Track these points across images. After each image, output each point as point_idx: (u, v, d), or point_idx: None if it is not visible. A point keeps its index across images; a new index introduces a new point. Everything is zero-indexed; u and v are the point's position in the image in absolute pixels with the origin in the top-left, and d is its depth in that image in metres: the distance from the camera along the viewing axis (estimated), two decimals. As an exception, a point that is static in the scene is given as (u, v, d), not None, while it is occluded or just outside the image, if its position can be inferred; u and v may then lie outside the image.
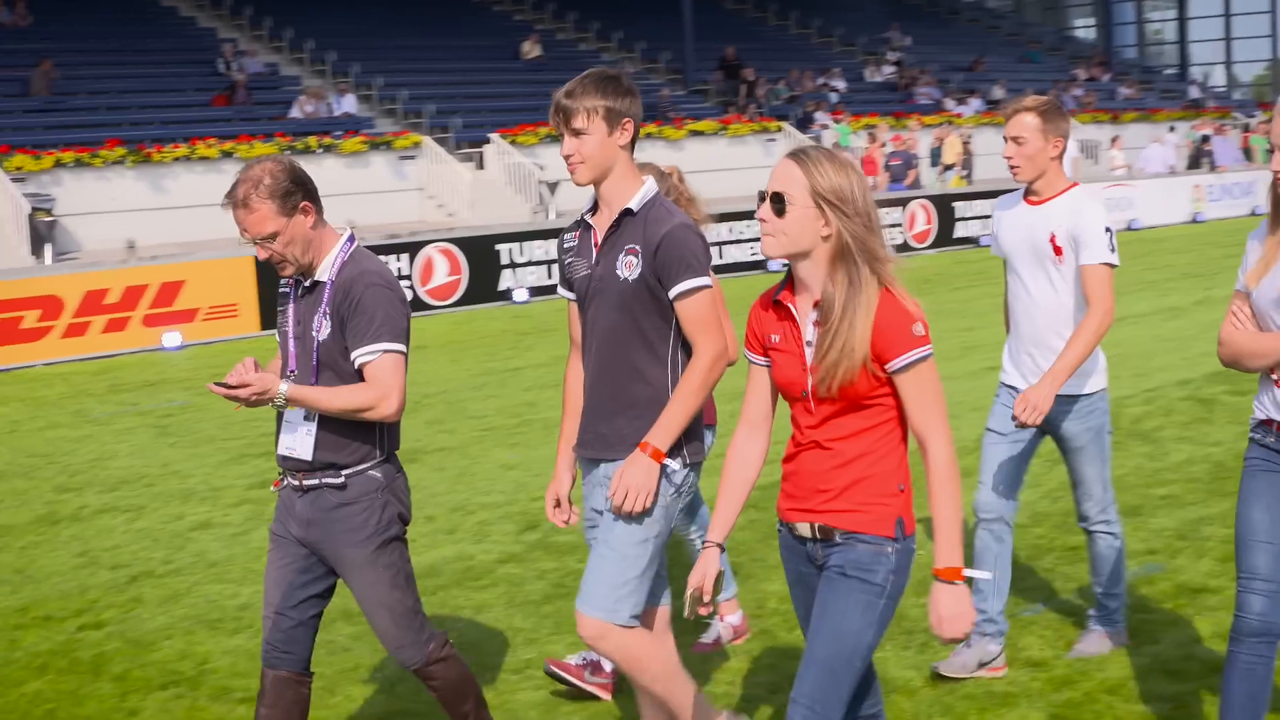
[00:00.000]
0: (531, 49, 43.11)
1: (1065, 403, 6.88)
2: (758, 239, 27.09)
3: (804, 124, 41.28)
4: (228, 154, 32.40)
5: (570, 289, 5.73)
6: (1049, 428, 6.97)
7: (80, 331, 20.12)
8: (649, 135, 38.29)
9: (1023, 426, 6.62)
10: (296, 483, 5.61)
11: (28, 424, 15.22)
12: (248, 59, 38.14)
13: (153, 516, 10.98)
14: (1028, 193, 6.93)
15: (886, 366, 4.47)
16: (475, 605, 8.42)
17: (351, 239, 5.79)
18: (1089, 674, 6.89)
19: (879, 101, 46.05)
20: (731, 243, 27.26)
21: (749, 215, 27.69)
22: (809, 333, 4.56)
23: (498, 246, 24.55)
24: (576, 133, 5.40)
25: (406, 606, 5.67)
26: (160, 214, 31.02)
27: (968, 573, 4.57)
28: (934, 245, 30.43)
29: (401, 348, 5.59)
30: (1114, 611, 7.23)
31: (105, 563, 9.79)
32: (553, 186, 34.37)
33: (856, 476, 4.58)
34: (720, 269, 26.57)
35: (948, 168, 37.61)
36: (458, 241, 24.27)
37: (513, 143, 36.12)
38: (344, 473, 5.54)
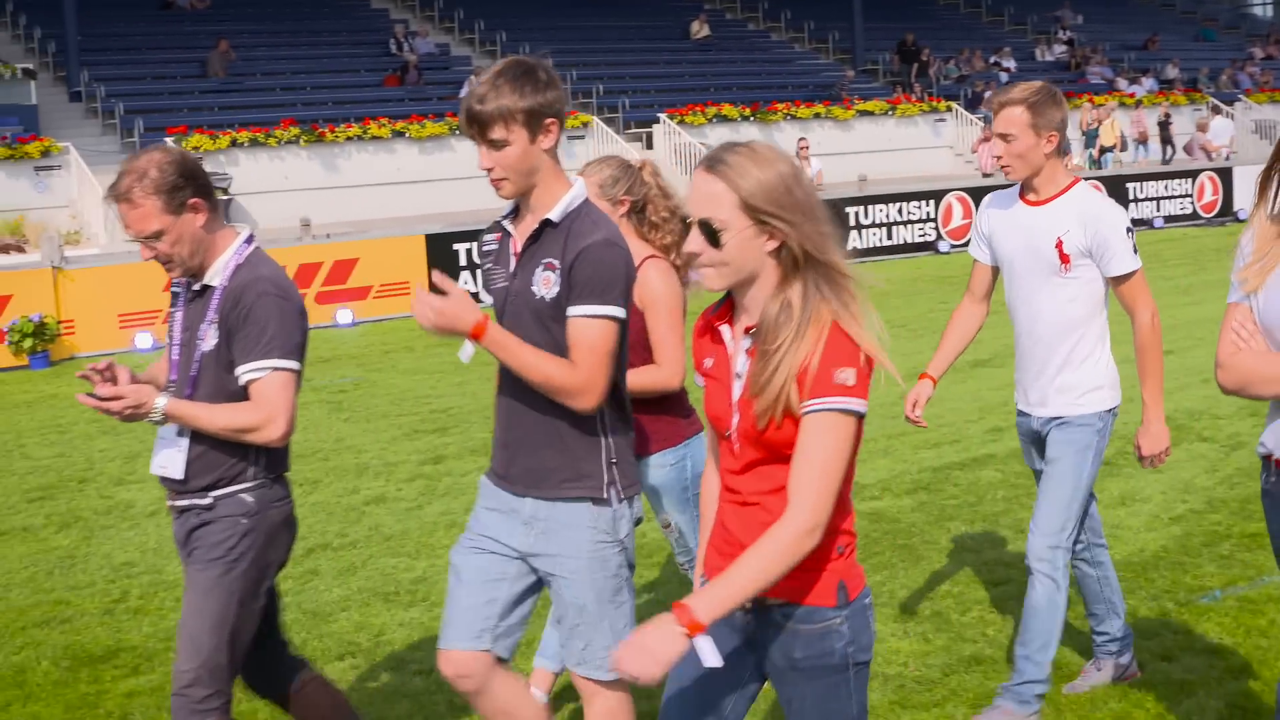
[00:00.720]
0: (700, 29, 43.06)
1: (1056, 425, 6.27)
2: (927, 220, 26.90)
3: (973, 104, 40.84)
4: (399, 134, 32.78)
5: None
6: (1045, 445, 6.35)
7: (256, 308, 20.41)
8: (817, 115, 38.13)
9: (1155, 465, 6.24)
10: (171, 503, 5.19)
11: (206, 398, 15.46)
12: (419, 40, 38.51)
13: (328, 490, 11.12)
14: (1025, 190, 6.31)
15: (802, 405, 3.70)
16: (646, 582, 8.42)
17: (250, 240, 5.23)
18: (1268, 662, 6.75)
19: (1049, 81, 45.28)
20: (900, 223, 27.04)
21: (918, 196, 27.50)
22: (740, 363, 3.85)
23: (666, 226, 24.51)
24: (494, 144, 4.71)
25: (219, 662, 5.05)
26: (333, 193, 31.46)
27: (698, 642, 3.57)
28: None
29: (293, 365, 5.10)
30: (1022, 684, 6.19)
31: (282, 535, 9.91)
32: (721, 166, 34.27)
33: None
34: (891, 250, 26.47)
35: (1105, 150, 36.82)
36: (626, 221, 24.28)
37: (680, 123, 36.12)
38: (212, 494, 5.08)
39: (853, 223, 26.29)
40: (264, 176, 31.30)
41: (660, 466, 6.17)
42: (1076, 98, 42.77)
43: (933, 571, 8.38)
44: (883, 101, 39.94)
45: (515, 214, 4.95)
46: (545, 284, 4.76)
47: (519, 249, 4.85)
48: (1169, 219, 31.16)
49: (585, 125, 35.27)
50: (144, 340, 19.50)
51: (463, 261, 22.06)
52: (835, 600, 3.83)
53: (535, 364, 4.67)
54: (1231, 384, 4.40)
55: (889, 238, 26.74)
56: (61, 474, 12.15)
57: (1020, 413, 6.45)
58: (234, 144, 31.24)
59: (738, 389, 3.83)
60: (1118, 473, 10.38)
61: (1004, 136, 6.20)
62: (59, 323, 19.04)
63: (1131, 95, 43.79)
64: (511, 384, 4.86)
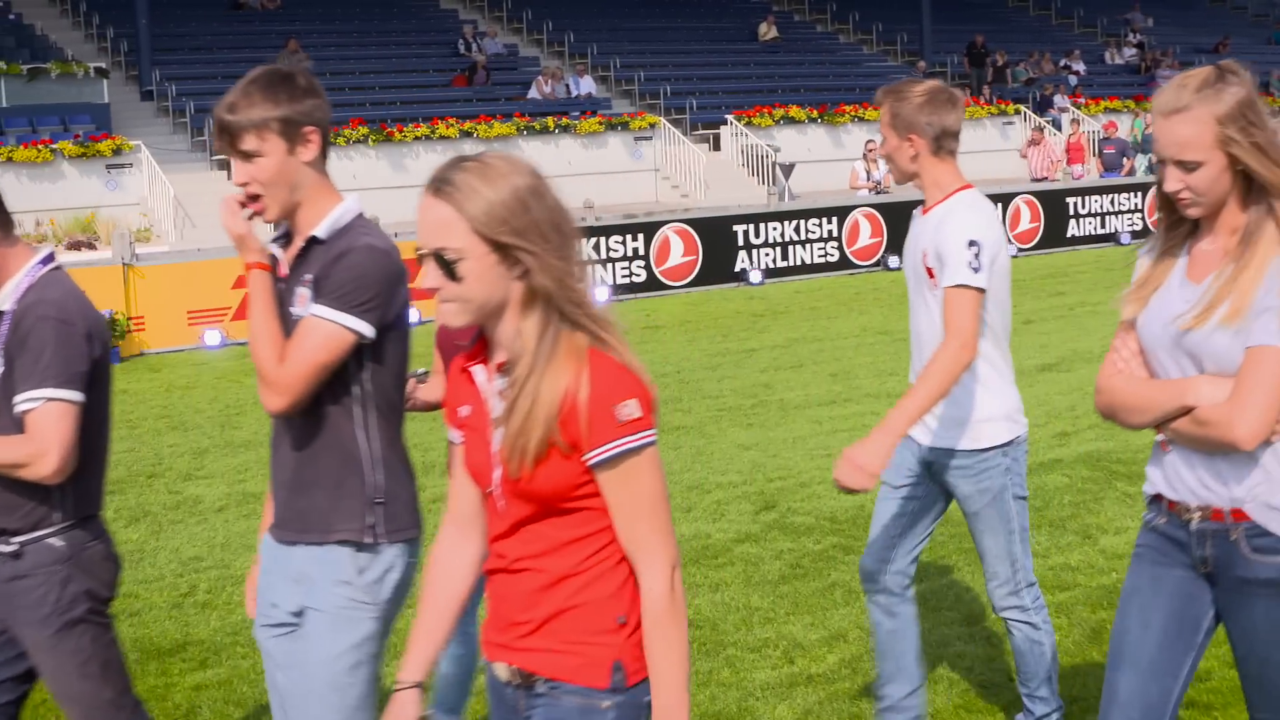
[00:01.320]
0: (768, 30, 43.02)
1: (950, 458, 5.73)
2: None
3: (1042, 107, 40.64)
4: (467, 134, 32.92)
5: None
6: (946, 487, 5.84)
7: (324, 306, 20.52)
8: (885, 117, 37.99)
9: (846, 491, 5.30)
10: None
11: (273, 395, 15.55)
12: (488, 40, 38.62)
13: (394, 487, 11.14)
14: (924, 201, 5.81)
15: (585, 458, 3.26)
16: (713, 583, 8.43)
17: (47, 259, 4.72)
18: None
19: (1119, 84, 45.14)
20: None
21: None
22: (496, 407, 3.37)
23: (734, 228, 24.54)
24: (247, 156, 4.28)
25: (103, 699, 4.72)
26: (401, 192, 31.53)
27: None
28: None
29: (71, 395, 4.49)
30: (1044, 717, 6.04)
31: (349, 531, 9.96)
32: (788, 169, 34.27)
33: (560, 605, 3.36)
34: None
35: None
36: (693, 222, 24.31)
37: (748, 124, 36.11)
38: (15, 540, 4.59)
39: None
40: (333, 175, 31.34)
41: None
42: (1147, 101, 42.52)
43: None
44: (951, 104, 39.77)
45: (285, 238, 4.47)
46: (301, 301, 4.27)
47: (286, 272, 4.37)
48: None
49: (653, 126, 35.31)
50: (213, 337, 19.62)
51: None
52: (608, 682, 3.35)
53: (258, 333, 4.25)
54: (1103, 409, 4.22)
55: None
56: (131, 469, 12.24)
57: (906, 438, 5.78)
58: (303, 143, 31.40)
59: (498, 438, 3.36)
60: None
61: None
62: (129, 319, 19.17)
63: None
64: (281, 422, 4.38)
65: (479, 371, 3.43)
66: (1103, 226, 28.67)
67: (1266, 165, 3.90)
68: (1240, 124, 3.87)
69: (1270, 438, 3.91)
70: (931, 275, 5.59)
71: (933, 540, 8.98)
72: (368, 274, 4.21)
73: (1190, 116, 3.90)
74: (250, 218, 4.37)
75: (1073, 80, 43.68)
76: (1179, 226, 4.15)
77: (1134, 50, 48.24)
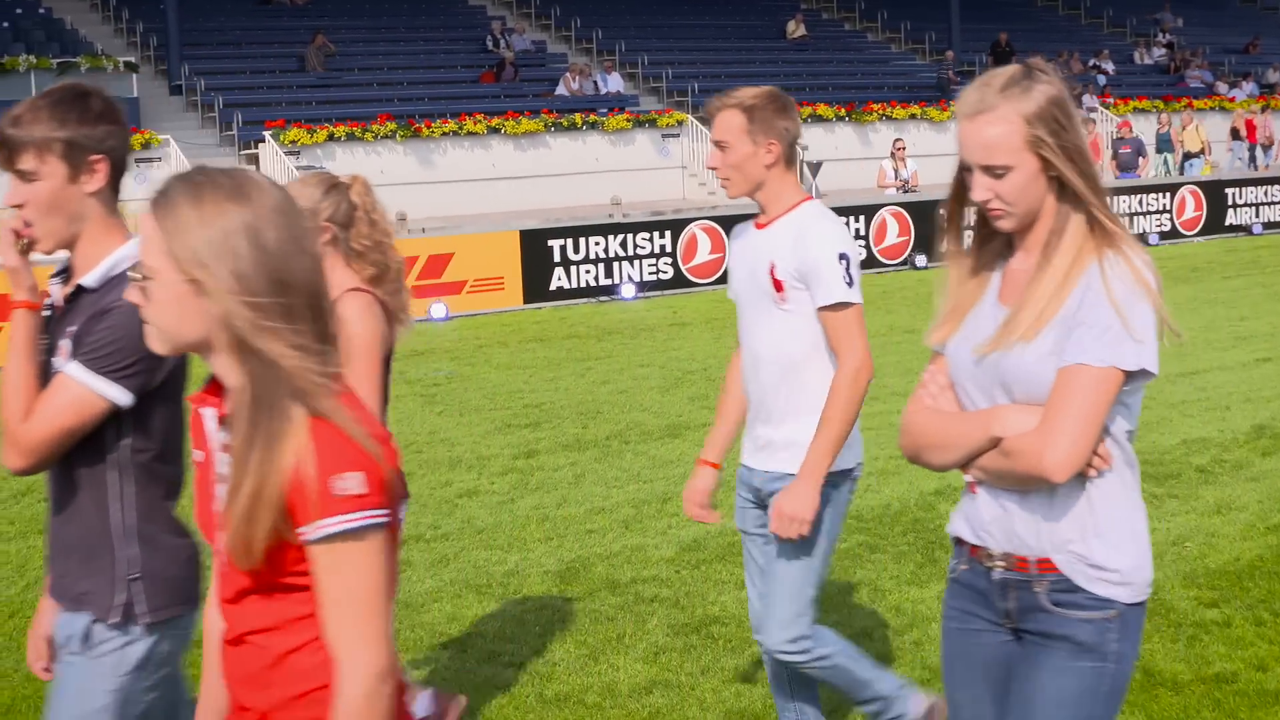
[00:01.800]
0: (796, 28, 42.99)
1: (780, 481, 5.37)
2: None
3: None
4: (495, 130, 32.97)
5: None
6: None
7: (351, 301, 20.58)
8: (913, 116, 38.00)
9: (786, 539, 5.20)
10: None
11: (301, 389, 15.60)
12: (516, 36, 38.66)
13: (421, 483, 11.19)
14: (758, 213, 5.49)
15: (299, 531, 2.79)
16: (738, 580, 8.43)
17: None
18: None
19: (1148, 85, 45.01)
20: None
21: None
22: (221, 461, 2.94)
23: (760, 226, 24.48)
24: (22, 175, 3.89)
25: None
26: (429, 188, 31.67)
27: None
28: (1203, 233, 29.63)
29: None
30: (882, 714, 5.70)
31: (376, 526, 9.99)
32: (815, 167, 34.22)
33: (292, 690, 2.92)
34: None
35: (1191, 156, 36.08)
36: (721, 220, 24.29)
37: (776, 122, 36.05)
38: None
39: (946, 225, 26.14)
40: (360, 170, 31.26)
41: None
42: (1176, 101, 42.39)
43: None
44: (979, 103, 39.73)
45: (66, 274, 4.07)
46: (63, 353, 3.88)
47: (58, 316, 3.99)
48: (1267, 225, 30.74)
49: (680, 124, 35.35)
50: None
51: (556, 258, 22.13)
52: None
53: (8, 381, 3.86)
54: (907, 450, 3.80)
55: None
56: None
57: (744, 464, 5.62)
58: (331, 138, 31.53)
59: (222, 495, 2.90)
60: (1214, 480, 10.30)
61: (719, 144, 5.38)
62: (157, 313, 19.28)
63: (1231, 99, 43.36)
64: (53, 477, 4.03)
65: (209, 416, 2.99)
66: (1131, 227, 28.57)
67: (1077, 171, 3.60)
68: (1050, 125, 3.58)
69: (1087, 470, 3.53)
70: (780, 289, 5.27)
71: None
72: (130, 336, 3.69)
73: (996, 116, 3.57)
74: (25, 248, 3.97)
75: (1102, 80, 43.56)
76: (991, 241, 3.78)
77: (1163, 50, 48.10)
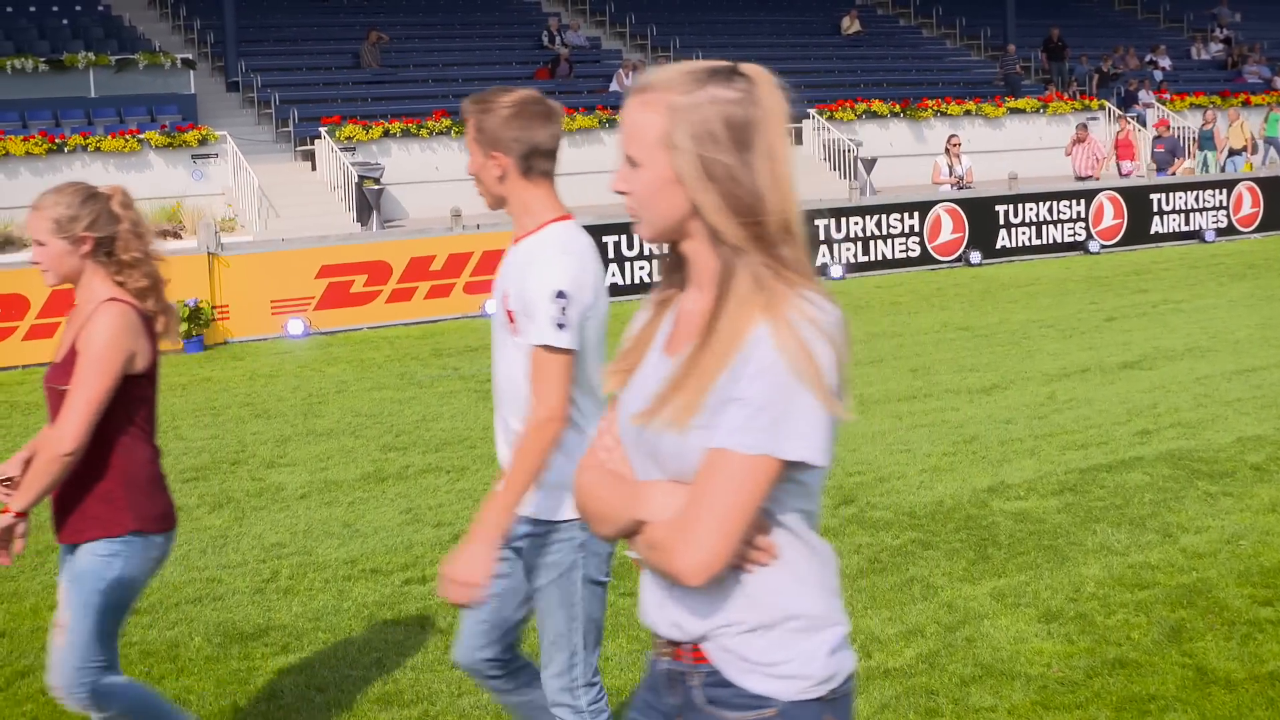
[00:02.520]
0: (851, 24, 42.90)
1: (518, 525, 4.96)
2: (1078, 219, 26.65)
3: (1126, 103, 40.31)
4: (549, 126, 32.96)
5: None
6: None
7: (406, 297, 20.64)
8: (968, 113, 37.86)
9: (458, 605, 4.82)
10: None
11: (355, 385, 15.68)
12: (571, 33, 38.72)
13: (474, 478, 11.23)
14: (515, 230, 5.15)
15: None
16: (790, 576, 8.44)
17: None
18: None
19: (1205, 80, 44.72)
20: (1050, 223, 26.78)
21: (1068, 195, 27.20)
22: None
23: (816, 222, 24.40)
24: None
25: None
26: (483, 184, 31.70)
27: None
28: (1261, 229, 29.41)
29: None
30: None
31: (429, 520, 10.05)
32: (870, 163, 34.19)
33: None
34: (1040, 249, 26.21)
35: (1234, 152, 35.70)
36: (774, 216, 24.22)
37: (830, 118, 36.02)
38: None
39: (1002, 221, 26.07)
40: (415, 167, 31.68)
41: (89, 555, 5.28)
42: (1234, 96, 42.10)
43: (1077, 573, 8.32)
44: (1034, 99, 39.57)
45: None
46: None
47: None
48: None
49: (734, 120, 35.23)
50: (296, 327, 19.75)
51: (611, 254, 22.14)
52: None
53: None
54: (578, 506, 3.26)
55: (1039, 237, 26.45)
56: (215, 456, 12.37)
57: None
58: (386, 134, 31.65)
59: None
60: (1269, 478, 10.25)
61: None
62: (214, 308, 19.35)
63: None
64: None
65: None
66: (1187, 224, 28.40)
67: (711, 199, 3.00)
68: (699, 133, 2.99)
69: (743, 565, 3.05)
70: (512, 320, 4.94)
71: (1013, 537, 8.96)
72: None
73: (648, 100, 3.05)
74: None
75: (1158, 75, 43.31)
76: (678, 270, 3.19)
77: (1220, 45, 47.77)
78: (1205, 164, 35.34)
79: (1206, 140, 35.83)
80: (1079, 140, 32.08)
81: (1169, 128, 34.67)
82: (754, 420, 2.91)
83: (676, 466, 3.03)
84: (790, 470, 2.97)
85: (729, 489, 2.92)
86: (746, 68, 3.10)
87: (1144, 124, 38.16)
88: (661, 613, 3.17)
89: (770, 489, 2.97)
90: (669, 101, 3.01)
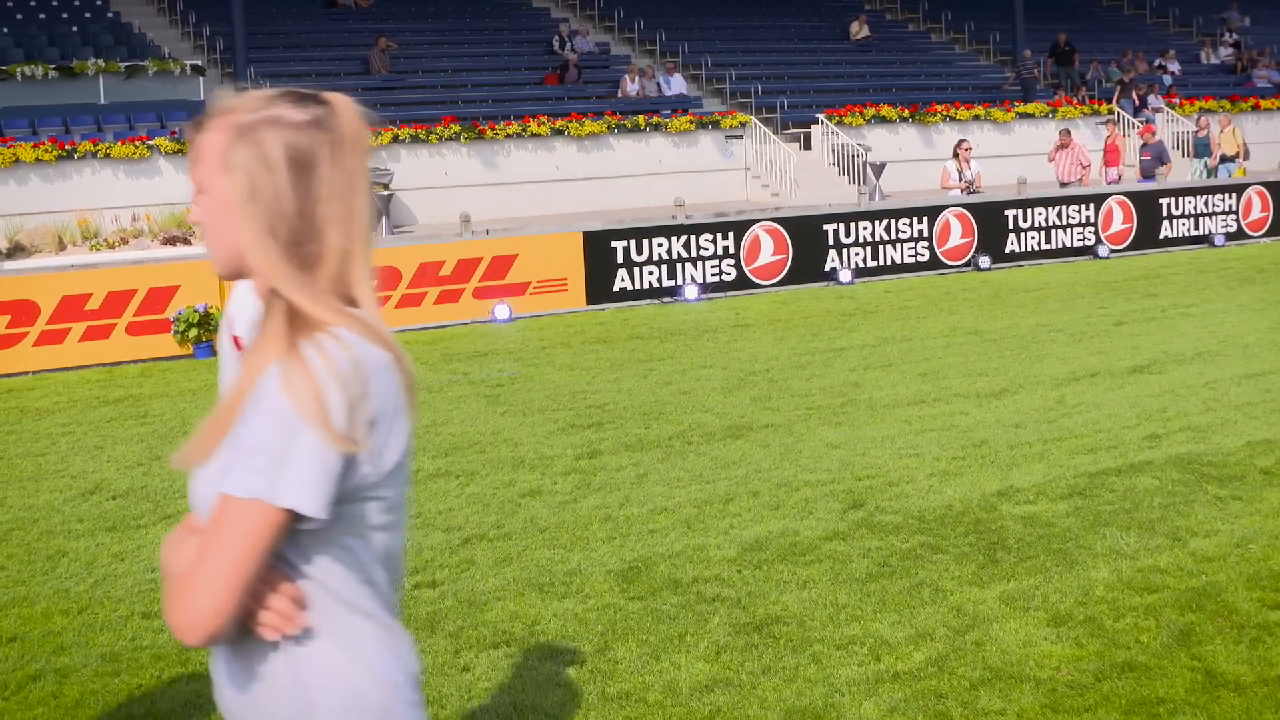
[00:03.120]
0: (860, 29, 42.95)
1: None
2: (1087, 224, 26.64)
3: (1136, 108, 40.30)
4: (559, 132, 33.05)
5: None
6: None
7: (415, 302, 20.68)
8: (977, 118, 37.86)
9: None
10: None
11: (365, 390, 15.69)
12: (580, 38, 38.77)
13: (484, 482, 11.25)
14: None
15: None
16: (800, 580, 8.45)
17: None
18: None
19: (1215, 84, 44.72)
20: (1060, 227, 26.76)
21: (1078, 200, 27.20)
22: None
23: (825, 227, 24.50)
24: None
25: None
26: (493, 189, 31.81)
27: None
28: (1270, 233, 29.36)
29: None
30: None
31: (439, 524, 10.06)
32: (879, 168, 34.20)
33: None
34: (1050, 254, 26.20)
35: (1227, 159, 35.55)
36: (784, 221, 24.28)
37: (839, 124, 36.05)
38: None
39: (1011, 226, 26.07)
40: (425, 173, 31.73)
41: None
42: (1243, 101, 42.08)
43: (1087, 577, 8.32)
44: (1043, 104, 39.56)
45: None
46: None
47: None
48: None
49: (744, 125, 35.33)
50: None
51: (619, 259, 22.17)
52: None
53: None
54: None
55: (1048, 241, 26.45)
56: (225, 461, 12.38)
57: None
58: (395, 140, 31.69)
59: None
60: (1279, 483, 10.24)
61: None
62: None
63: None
64: None
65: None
66: (1196, 228, 28.38)
67: (253, 225, 2.80)
68: (254, 153, 2.84)
69: (263, 630, 2.76)
70: (239, 347, 4.73)
71: (1022, 541, 8.97)
72: None
73: (218, 122, 2.94)
74: None
75: (1167, 80, 43.30)
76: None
77: (1230, 49, 47.77)
78: (1205, 169, 35.24)
79: (1202, 147, 35.74)
80: (1062, 146, 31.84)
81: (1154, 134, 34.52)
82: (250, 462, 2.68)
83: (205, 512, 2.77)
84: (296, 522, 2.71)
85: (225, 538, 2.67)
86: (330, 95, 2.96)
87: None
88: (221, 696, 2.90)
89: (275, 540, 2.70)
90: (234, 122, 2.88)
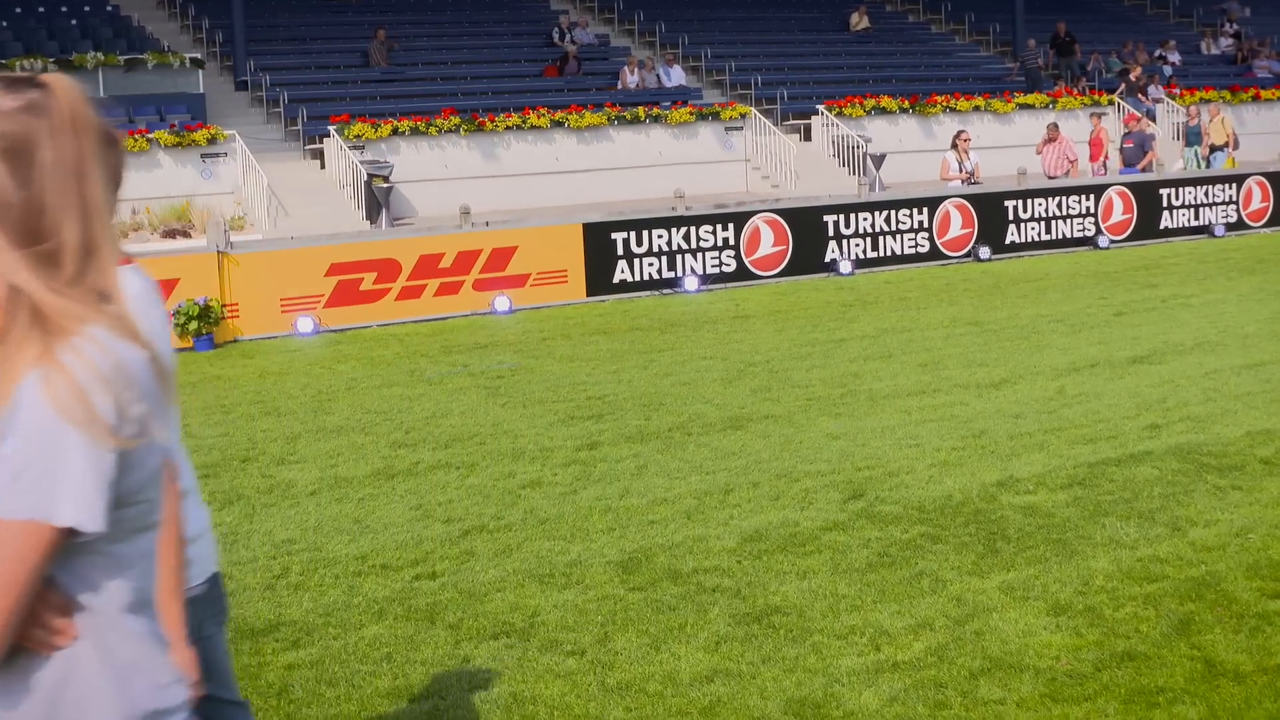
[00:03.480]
0: (859, 20, 42.92)
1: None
2: (1087, 214, 26.64)
3: (1137, 99, 40.27)
4: (558, 123, 33.04)
5: None
6: None
7: (415, 294, 20.68)
8: (977, 108, 37.83)
9: None
10: None
11: (365, 382, 15.71)
12: (580, 30, 38.75)
13: (484, 474, 11.25)
14: None
15: None
16: (800, 570, 8.46)
17: None
18: None
19: (1215, 75, 44.67)
20: (1060, 218, 26.75)
21: (1078, 190, 27.20)
22: None
23: (825, 218, 24.49)
24: None
25: None
26: (492, 181, 31.79)
27: None
28: (1270, 224, 29.36)
29: None
30: None
31: (439, 516, 10.07)
32: (879, 159, 34.18)
33: None
34: (1049, 244, 26.21)
35: (1216, 148, 35.45)
36: (784, 213, 24.29)
37: (839, 115, 36.03)
38: None
39: (1011, 216, 26.07)
40: (424, 165, 31.71)
41: None
42: (1243, 91, 42.04)
43: (1086, 567, 8.33)
44: (1043, 95, 39.53)
45: None
46: None
47: None
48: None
49: (744, 116, 35.32)
50: (305, 324, 19.78)
51: (619, 251, 22.17)
52: None
53: None
54: None
55: (1048, 232, 26.45)
56: (225, 453, 12.39)
57: None
58: (395, 133, 31.69)
59: None
60: (1278, 472, 10.25)
61: None
62: (223, 306, 19.38)
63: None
64: None
65: None
66: (1196, 218, 28.38)
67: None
68: None
69: (38, 647, 2.65)
70: None
71: (1022, 531, 8.98)
72: None
73: None
74: None
75: (1168, 71, 43.26)
76: None
77: (1230, 40, 47.72)
78: (1197, 159, 35.18)
79: (1194, 136, 35.66)
80: (1050, 140, 31.60)
81: (1138, 121, 34.42)
82: (18, 481, 2.53)
83: None
84: (72, 537, 2.58)
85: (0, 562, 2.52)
86: (47, 77, 2.71)
87: (1154, 119, 38.05)
88: None
89: (48, 559, 2.56)
90: None
